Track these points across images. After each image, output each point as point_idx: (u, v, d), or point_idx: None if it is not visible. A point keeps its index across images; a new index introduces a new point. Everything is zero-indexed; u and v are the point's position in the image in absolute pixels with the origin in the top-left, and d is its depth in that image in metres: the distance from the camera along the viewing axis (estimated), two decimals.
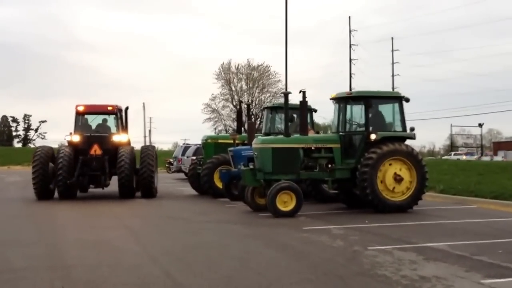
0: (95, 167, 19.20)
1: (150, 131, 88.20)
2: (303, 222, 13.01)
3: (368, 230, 11.69)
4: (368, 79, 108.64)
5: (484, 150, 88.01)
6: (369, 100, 14.65)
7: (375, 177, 14.28)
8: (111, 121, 20.48)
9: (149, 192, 19.54)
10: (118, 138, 19.88)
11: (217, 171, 19.50)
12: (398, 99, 15.02)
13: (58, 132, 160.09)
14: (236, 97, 73.03)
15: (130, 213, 15.58)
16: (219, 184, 19.34)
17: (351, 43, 67.43)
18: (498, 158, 75.74)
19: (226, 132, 68.08)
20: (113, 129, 20.42)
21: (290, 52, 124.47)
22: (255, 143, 14.93)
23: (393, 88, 63.69)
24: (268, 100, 70.14)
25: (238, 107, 25.45)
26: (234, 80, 74.64)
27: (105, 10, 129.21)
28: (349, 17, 69.33)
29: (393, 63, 71.51)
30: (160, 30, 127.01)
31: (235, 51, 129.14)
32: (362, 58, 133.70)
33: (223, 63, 74.05)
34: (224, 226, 12.65)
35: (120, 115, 20.50)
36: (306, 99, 14.71)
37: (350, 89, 75.42)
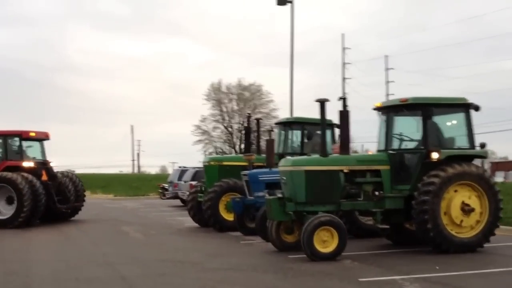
0: (58, 192, 19.65)
1: (138, 154, 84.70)
2: (353, 269, 9.94)
3: (452, 284, 8.60)
4: (362, 98, 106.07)
5: None
6: (429, 109, 11.58)
7: (438, 208, 11.17)
8: (37, 147, 20.45)
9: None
10: (53, 164, 20.52)
11: (222, 200, 16.36)
12: (464, 107, 11.84)
13: None
14: (227, 117, 70.19)
15: (123, 255, 12.27)
16: (226, 216, 16.26)
17: (345, 61, 64.88)
18: (499, 178, 73.12)
19: (217, 154, 64.91)
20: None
21: (281, 73, 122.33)
22: (283, 165, 11.76)
23: None
24: (260, 121, 67.11)
25: (246, 123, 22.15)
26: (225, 100, 71.84)
27: (93, 32, 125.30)
28: (342, 34, 66.55)
29: (387, 81, 69.11)
30: (149, 53, 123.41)
31: (226, 72, 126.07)
32: (356, 77, 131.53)
33: (213, 83, 71.25)
34: (251, 276, 9.50)
35: None
36: (347, 108, 11.68)
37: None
